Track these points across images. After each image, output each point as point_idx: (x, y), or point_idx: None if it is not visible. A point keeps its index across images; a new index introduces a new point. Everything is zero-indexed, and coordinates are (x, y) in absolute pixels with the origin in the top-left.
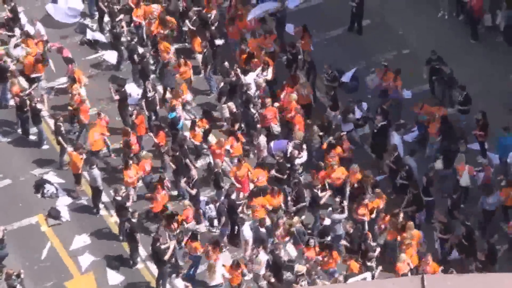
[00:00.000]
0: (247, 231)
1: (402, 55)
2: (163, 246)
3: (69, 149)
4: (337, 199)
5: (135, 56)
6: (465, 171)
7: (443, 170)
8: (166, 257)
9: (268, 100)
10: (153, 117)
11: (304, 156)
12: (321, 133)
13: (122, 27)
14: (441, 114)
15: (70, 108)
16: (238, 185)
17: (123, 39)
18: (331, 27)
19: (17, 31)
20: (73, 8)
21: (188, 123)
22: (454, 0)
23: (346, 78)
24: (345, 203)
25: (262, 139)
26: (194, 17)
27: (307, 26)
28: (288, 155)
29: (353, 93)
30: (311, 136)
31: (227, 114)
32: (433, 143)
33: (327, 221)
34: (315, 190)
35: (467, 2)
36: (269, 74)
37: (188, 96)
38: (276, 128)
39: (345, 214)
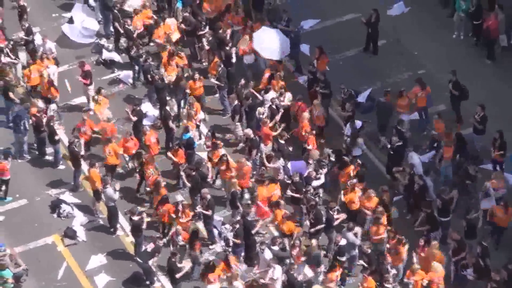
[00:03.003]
0: (267, 254)
1: (418, 75)
2: (179, 264)
3: (86, 167)
4: (354, 226)
5: (149, 76)
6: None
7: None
8: (178, 276)
9: (266, 121)
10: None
11: (322, 178)
12: (332, 156)
13: (138, 47)
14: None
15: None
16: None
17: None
18: (346, 48)
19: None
20: (89, 29)
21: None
22: (469, 21)
23: (361, 98)
24: (358, 229)
25: (280, 162)
26: (210, 38)
27: (322, 47)
28: (305, 175)
29: (368, 113)
30: (321, 156)
31: (240, 133)
32: (446, 165)
33: (342, 242)
34: (331, 212)
35: (482, 23)
36: (286, 99)
37: (201, 115)
38: (266, 149)
39: (359, 240)
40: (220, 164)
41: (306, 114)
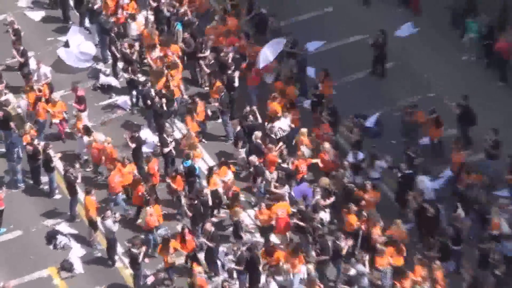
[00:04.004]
0: (273, 286)
1: (427, 98)
2: None
3: (82, 195)
4: (363, 257)
5: (148, 101)
6: (502, 222)
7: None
8: None
9: (272, 146)
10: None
11: (327, 214)
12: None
13: (136, 71)
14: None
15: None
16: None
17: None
18: (353, 70)
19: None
20: (86, 53)
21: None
22: (480, 42)
23: (369, 123)
24: (366, 256)
25: (285, 189)
26: (212, 61)
27: (328, 70)
28: (313, 203)
29: (376, 138)
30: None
31: (242, 157)
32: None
33: (352, 272)
34: (338, 242)
35: (493, 44)
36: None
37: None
38: (271, 175)
39: (367, 268)
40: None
41: (326, 145)
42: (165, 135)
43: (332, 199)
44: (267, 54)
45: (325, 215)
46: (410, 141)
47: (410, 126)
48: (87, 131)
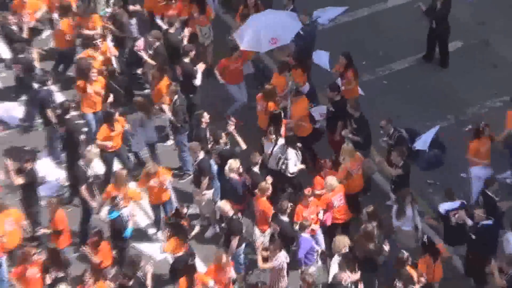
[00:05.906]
0: None
1: None
2: None
3: None
4: None
5: (49, 111)
6: None
7: None
8: None
9: (268, 187)
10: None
11: None
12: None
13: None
14: None
15: None
16: None
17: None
18: (393, 56)
19: None
20: None
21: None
22: None
23: (422, 144)
24: None
25: (281, 257)
26: (156, 44)
27: (351, 55)
28: (334, 279)
29: (435, 168)
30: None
31: (205, 204)
32: None
33: None
34: None
35: None
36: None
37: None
38: (263, 236)
39: None
40: None
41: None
42: (82, 163)
43: (358, 274)
44: (271, 31)
45: None
46: None
47: None
48: None
